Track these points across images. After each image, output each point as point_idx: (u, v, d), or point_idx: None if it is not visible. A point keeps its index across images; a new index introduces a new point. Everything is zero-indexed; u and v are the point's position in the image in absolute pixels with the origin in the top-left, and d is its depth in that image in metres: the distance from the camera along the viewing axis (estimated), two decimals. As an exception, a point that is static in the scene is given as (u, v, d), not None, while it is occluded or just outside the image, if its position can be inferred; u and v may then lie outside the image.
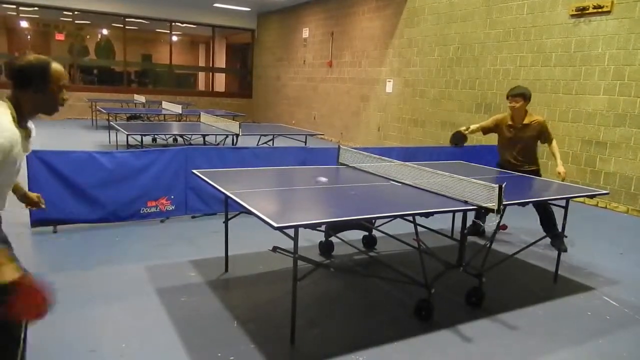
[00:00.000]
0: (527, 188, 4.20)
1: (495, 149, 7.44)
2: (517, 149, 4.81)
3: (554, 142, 4.81)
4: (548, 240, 4.68)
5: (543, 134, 4.76)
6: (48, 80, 2.07)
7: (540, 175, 4.84)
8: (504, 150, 4.93)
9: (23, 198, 2.52)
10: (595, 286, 3.97)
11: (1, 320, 1.83)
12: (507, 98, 4.77)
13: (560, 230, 4.21)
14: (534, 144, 4.83)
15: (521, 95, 4.68)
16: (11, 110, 2.03)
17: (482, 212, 3.74)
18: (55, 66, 2.10)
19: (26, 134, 2.15)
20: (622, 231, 5.84)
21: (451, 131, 9.50)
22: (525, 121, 4.74)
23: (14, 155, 2.00)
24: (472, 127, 4.89)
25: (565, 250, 4.61)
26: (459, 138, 4.77)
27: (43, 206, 2.56)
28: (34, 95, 2.06)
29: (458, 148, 4.97)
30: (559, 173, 4.63)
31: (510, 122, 4.82)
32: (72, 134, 11.82)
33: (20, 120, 2.06)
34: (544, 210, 4.70)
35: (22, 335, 2.05)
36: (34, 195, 2.55)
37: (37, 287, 1.78)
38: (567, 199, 3.82)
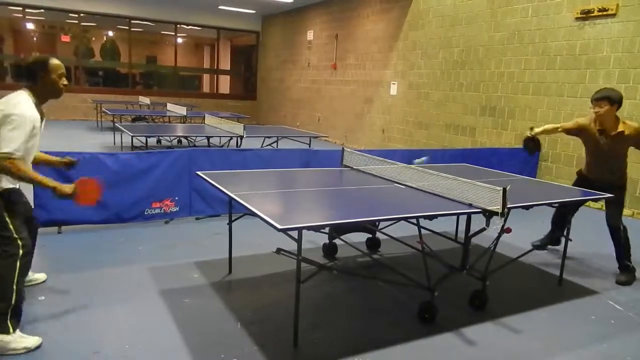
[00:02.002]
0: (531, 191, 4.18)
1: (499, 152, 7.44)
2: (607, 164, 4.17)
3: None
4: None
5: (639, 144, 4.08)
6: (49, 71, 2.75)
7: (624, 193, 4.30)
8: (592, 167, 4.28)
9: (58, 163, 3.29)
10: (599, 290, 3.95)
11: None
12: (591, 102, 4.09)
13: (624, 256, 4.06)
14: (624, 156, 4.19)
15: (607, 99, 3.96)
16: (33, 98, 2.74)
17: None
18: (53, 60, 2.78)
19: (41, 114, 2.80)
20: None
21: (455, 134, 9.52)
22: (620, 129, 4.02)
23: (36, 130, 2.71)
24: (538, 129, 4.30)
25: (624, 284, 4.10)
26: (531, 146, 4.29)
27: (76, 163, 3.31)
28: (42, 84, 2.75)
29: (531, 154, 4.49)
30: None
31: (598, 128, 4.11)
32: (77, 135, 11.87)
33: (38, 104, 2.77)
34: (613, 237, 4.21)
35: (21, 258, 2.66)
36: (66, 160, 3.27)
37: (89, 184, 2.83)
38: (573, 203, 3.81)
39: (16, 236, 2.64)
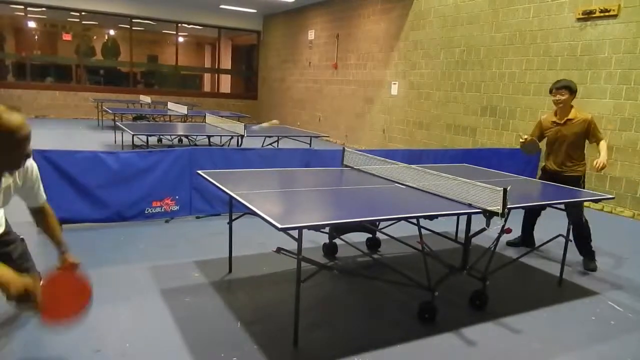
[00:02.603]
0: (531, 191, 4.18)
1: (500, 153, 7.42)
2: (560, 150, 4.44)
3: (604, 142, 4.35)
4: (552, 244, 4.64)
5: (590, 132, 4.34)
6: (14, 146, 1.97)
7: (583, 183, 4.50)
8: (549, 151, 4.57)
9: (60, 256, 2.48)
10: (600, 291, 3.95)
11: None
12: (551, 92, 4.41)
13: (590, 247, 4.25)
14: (579, 145, 4.42)
15: (567, 89, 4.32)
16: None
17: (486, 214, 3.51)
18: (20, 135, 1.95)
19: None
20: (628, 236, 5.81)
21: (456, 134, 9.51)
22: (570, 116, 4.36)
23: None
24: (527, 136, 4.60)
25: (593, 270, 4.40)
26: (530, 147, 4.56)
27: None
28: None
29: (532, 154, 4.73)
30: (596, 163, 4.19)
31: (553, 119, 4.47)
32: (78, 134, 11.88)
33: None
34: (576, 226, 4.30)
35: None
36: (70, 259, 2.46)
37: (65, 283, 1.70)
38: (572, 204, 3.81)
39: None
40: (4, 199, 2.24)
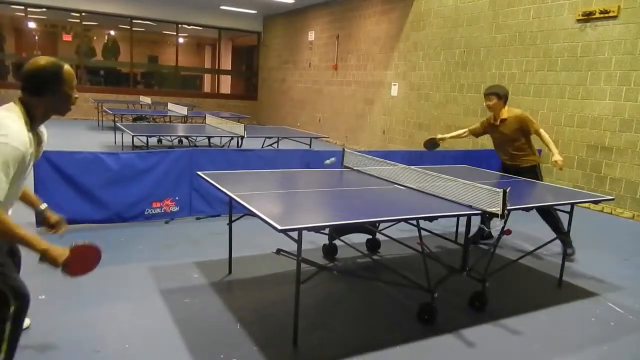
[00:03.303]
0: (531, 193, 4.18)
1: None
2: (505, 146, 4.85)
3: (543, 132, 4.71)
4: (552, 245, 4.64)
5: (524, 126, 4.71)
6: (62, 82, 2.08)
7: (539, 170, 4.86)
8: (498, 150, 5.02)
9: (39, 213, 2.46)
10: (599, 292, 3.95)
11: None
12: (484, 97, 4.87)
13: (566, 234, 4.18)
14: (521, 138, 4.77)
15: (495, 95, 4.75)
16: (24, 116, 2.03)
17: (486, 217, 3.64)
18: (67, 68, 2.12)
19: (38, 139, 2.16)
20: (628, 237, 5.81)
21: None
22: (503, 116, 4.77)
23: (26, 162, 2.00)
24: (447, 135, 5.26)
25: (571, 255, 4.56)
26: (432, 145, 5.26)
27: (61, 232, 2.47)
28: (50, 98, 2.07)
29: (432, 150, 5.43)
30: (555, 162, 4.54)
31: (492, 121, 4.91)
32: (78, 134, 11.88)
33: (33, 124, 2.07)
34: (545, 216, 4.65)
35: (14, 317, 2.09)
36: (54, 216, 2.46)
37: (88, 252, 2.23)
38: (572, 205, 3.81)
39: (2, 289, 2.06)
40: (37, 156, 2.21)
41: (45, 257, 1.99)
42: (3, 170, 1.87)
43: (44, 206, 2.45)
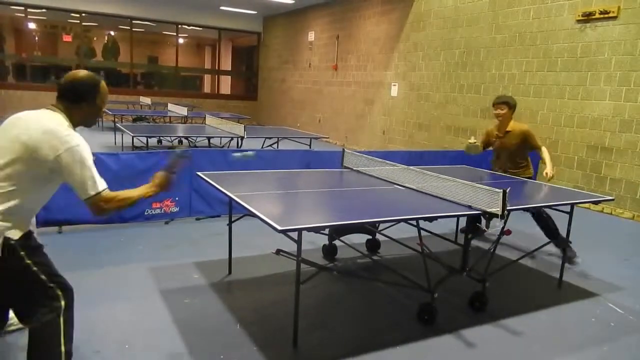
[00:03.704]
0: (531, 193, 4.18)
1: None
2: (503, 158, 4.88)
3: (544, 149, 4.73)
4: (552, 245, 4.64)
5: (527, 142, 4.74)
6: (97, 95, 2.28)
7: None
8: (494, 161, 5.05)
9: None
10: (599, 292, 3.95)
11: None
12: (493, 106, 4.86)
13: (566, 237, 4.12)
14: (519, 153, 4.82)
15: (506, 104, 4.75)
16: (67, 122, 2.20)
17: (485, 217, 3.58)
18: (104, 84, 2.33)
19: None
20: (628, 237, 5.81)
21: (456, 135, 9.52)
22: (508, 129, 4.78)
23: None
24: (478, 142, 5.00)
25: (573, 258, 4.44)
26: (474, 150, 4.91)
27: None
28: (86, 108, 2.26)
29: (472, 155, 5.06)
30: (546, 174, 4.45)
31: (496, 132, 4.89)
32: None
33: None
34: (538, 219, 4.56)
35: (65, 310, 2.19)
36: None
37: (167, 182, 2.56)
38: (572, 205, 3.81)
39: (51, 285, 2.13)
40: None
41: (160, 191, 2.52)
42: (89, 164, 2.14)
43: None
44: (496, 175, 4.79)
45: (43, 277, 2.10)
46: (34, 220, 2.45)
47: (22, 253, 2.05)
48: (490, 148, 5.07)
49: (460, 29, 9.31)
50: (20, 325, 2.63)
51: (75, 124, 2.25)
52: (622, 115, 6.74)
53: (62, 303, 2.14)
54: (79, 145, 2.10)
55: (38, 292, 2.10)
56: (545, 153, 4.71)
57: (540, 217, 4.53)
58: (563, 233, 4.09)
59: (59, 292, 2.14)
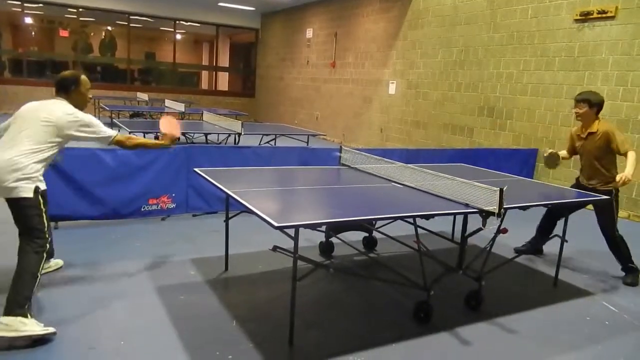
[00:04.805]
0: (528, 192, 4.19)
1: (497, 153, 7.44)
2: (585, 165, 4.30)
3: (632, 154, 4.02)
4: (547, 245, 4.65)
5: (610, 144, 4.07)
6: (80, 85, 3.16)
7: (616, 198, 4.27)
8: (581, 166, 4.39)
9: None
10: (594, 291, 3.97)
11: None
12: (574, 102, 4.26)
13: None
14: (603, 159, 4.18)
15: (586, 102, 4.13)
16: (71, 106, 3.07)
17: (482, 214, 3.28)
18: (83, 77, 3.20)
19: None
20: (624, 236, 5.81)
21: (453, 134, 9.52)
22: (591, 130, 4.15)
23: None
24: (561, 152, 4.49)
25: (630, 284, 4.17)
26: (551, 161, 4.46)
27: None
28: (75, 96, 3.14)
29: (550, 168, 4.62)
30: (620, 177, 3.96)
31: (578, 133, 4.31)
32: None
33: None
34: (608, 240, 4.29)
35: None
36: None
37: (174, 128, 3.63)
38: (569, 205, 3.82)
39: (46, 230, 2.91)
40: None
41: (171, 142, 3.58)
42: (95, 121, 3.10)
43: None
44: (494, 173, 4.77)
45: (45, 222, 2.91)
46: None
47: (41, 200, 2.89)
48: (574, 154, 4.46)
49: (458, 27, 9.31)
50: (54, 268, 3.60)
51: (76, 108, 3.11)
52: (619, 115, 6.75)
53: (47, 246, 2.90)
54: (85, 118, 3.05)
55: (38, 231, 2.86)
56: (632, 159, 3.99)
57: (613, 243, 4.26)
58: (559, 232, 4.09)
59: (48, 237, 2.93)
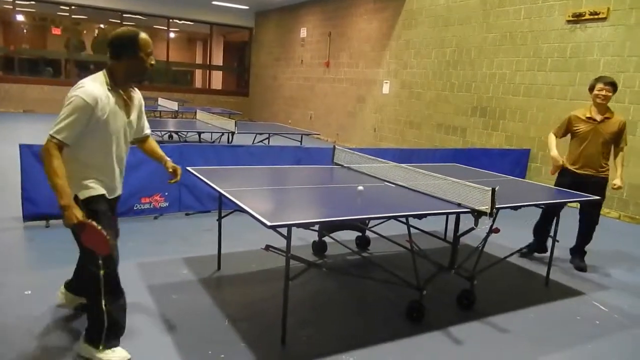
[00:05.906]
0: (520, 192, 4.21)
1: (490, 153, 7.46)
2: (591, 149, 4.25)
3: (622, 154, 4.29)
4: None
5: (622, 134, 4.22)
6: (137, 48, 2.35)
7: (606, 184, 4.35)
8: (575, 150, 4.36)
9: (164, 165, 2.96)
10: (585, 291, 4.00)
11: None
12: (592, 89, 4.29)
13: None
14: (608, 147, 4.29)
15: (614, 86, 4.23)
16: (105, 77, 2.38)
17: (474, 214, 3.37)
18: (143, 35, 2.38)
19: (122, 100, 2.44)
20: (614, 237, 5.87)
21: (446, 134, 9.56)
22: (608, 115, 4.24)
23: (100, 116, 2.30)
24: (561, 159, 4.50)
25: (584, 270, 4.44)
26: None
27: (176, 179, 2.95)
28: (126, 62, 2.37)
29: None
30: (614, 185, 4.19)
31: (589, 115, 4.29)
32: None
33: (114, 86, 2.38)
34: (583, 221, 4.46)
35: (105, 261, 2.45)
36: (171, 165, 2.93)
37: (97, 230, 2.28)
38: (559, 204, 3.84)
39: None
40: (138, 122, 2.66)
41: (64, 211, 2.26)
42: (69, 115, 2.23)
43: (169, 162, 2.94)
44: (487, 173, 4.80)
45: None
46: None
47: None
48: (563, 136, 4.51)
49: (451, 28, 9.34)
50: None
51: (120, 80, 2.40)
52: (610, 116, 6.79)
53: (101, 271, 2.50)
54: (75, 96, 2.24)
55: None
56: (622, 157, 4.26)
57: (592, 231, 4.46)
58: (550, 232, 4.12)
59: (99, 262, 2.50)
